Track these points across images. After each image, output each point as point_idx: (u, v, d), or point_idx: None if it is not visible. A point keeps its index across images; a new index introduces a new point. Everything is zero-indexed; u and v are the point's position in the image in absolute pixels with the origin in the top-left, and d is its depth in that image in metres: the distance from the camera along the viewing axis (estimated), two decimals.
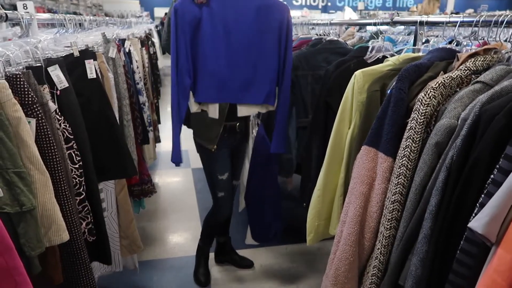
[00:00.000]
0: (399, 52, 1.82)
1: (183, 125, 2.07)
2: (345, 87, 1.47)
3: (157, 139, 3.33)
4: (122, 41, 2.42)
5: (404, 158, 1.02)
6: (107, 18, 3.40)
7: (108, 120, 1.53)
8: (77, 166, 1.16)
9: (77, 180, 1.16)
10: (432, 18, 1.47)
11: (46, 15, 1.88)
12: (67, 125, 1.15)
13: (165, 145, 4.53)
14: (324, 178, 1.49)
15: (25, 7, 1.65)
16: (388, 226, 1.05)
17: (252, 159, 2.09)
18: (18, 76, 0.95)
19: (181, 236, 2.74)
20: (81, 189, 1.18)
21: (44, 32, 2.08)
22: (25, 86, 0.95)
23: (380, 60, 1.64)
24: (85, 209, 1.20)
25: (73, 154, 1.15)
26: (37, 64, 1.10)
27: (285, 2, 1.88)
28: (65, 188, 1.04)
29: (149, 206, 2.94)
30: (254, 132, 2.11)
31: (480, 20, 1.18)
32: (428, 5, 4.76)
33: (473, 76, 1.05)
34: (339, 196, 1.45)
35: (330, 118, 1.66)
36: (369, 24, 2.02)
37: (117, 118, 1.81)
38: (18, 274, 0.75)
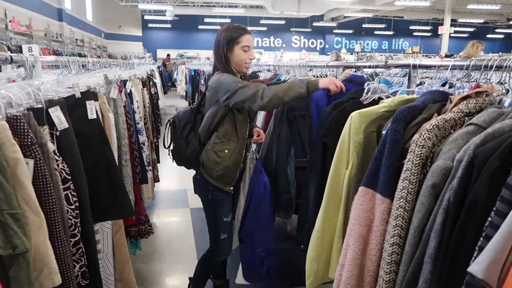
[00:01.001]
0: (394, 93, 1.86)
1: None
2: (342, 127, 1.50)
3: (156, 179, 3.32)
4: (124, 82, 2.48)
5: (401, 200, 1.02)
6: (110, 60, 3.49)
7: (107, 160, 1.54)
8: (73, 207, 1.16)
9: (72, 221, 1.15)
10: (424, 62, 1.52)
11: (51, 58, 1.94)
12: (65, 166, 1.15)
13: (164, 184, 4.51)
14: (322, 219, 1.48)
15: (30, 50, 1.70)
16: (388, 270, 1.03)
17: (248, 194, 2.07)
18: (18, 117, 0.96)
19: (178, 279, 2.66)
20: (76, 231, 1.17)
21: (48, 72, 2.14)
22: (25, 127, 0.97)
23: (376, 102, 1.67)
24: (79, 251, 1.18)
25: (70, 195, 1.15)
26: (38, 106, 1.12)
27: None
28: (59, 229, 1.02)
29: (145, 247, 2.88)
30: (252, 166, 2.11)
31: (471, 64, 1.22)
32: (472, 48, 4.90)
33: (466, 118, 1.06)
34: (338, 238, 1.43)
35: (327, 158, 1.67)
36: (364, 66, 2.08)
37: (116, 158, 1.82)
38: None
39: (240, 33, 1.96)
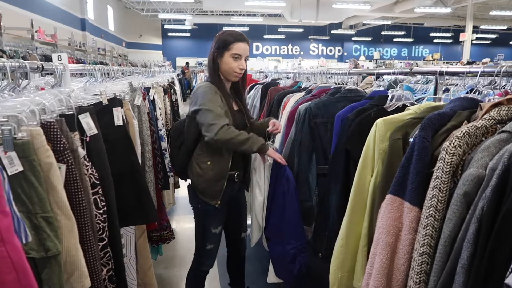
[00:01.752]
0: (419, 100, 1.84)
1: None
2: (365, 134, 1.48)
3: (177, 185, 3.35)
4: (147, 89, 2.52)
5: (431, 208, 1.00)
6: (133, 68, 3.56)
7: (133, 166, 1.56)
8: (101, 211, 1.18)
9: (100, 226, 1.17)
10: (452, 68, 1.50)
11: (78, 66, 1.99)
12: (94, 171, 1.18)
13: (184, 190, 4.53)
14: (347, 227, 1.46)
15: (59, 59, 1.75)
16: (417, 280, 1.01)
17: (270, 190, 2.03)
18: (52, 123, 0.99)
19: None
20: (104, 235, 1.18)
21: (74, 80, 2.20)
22: (58, 133, 0.99)
23: (400, 109, 1.65)
24: (107, 255, 1.20)
25: (98, 199, 1.17)
26: (70, 112, 1.15)
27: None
28: (89, 233, 1.04)
29: (166, 252, 2.90)
30: (269, 160, 2.07)
31: (501, 71, 1.20)
32: None
33: (498, 125, 1.04)
34: (363, 246, 1.40)
35: (350, 165, 1.65)
36: (388, 73, 2.06)
37: (140, 164, 1.85)
38: None
39: (233, 39, 1.89)
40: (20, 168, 0.88)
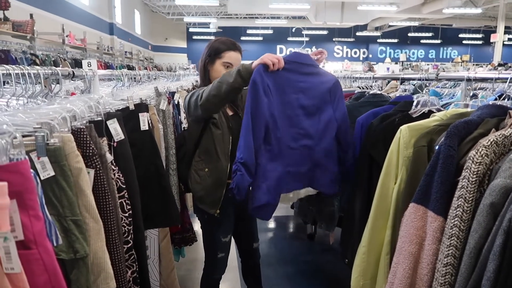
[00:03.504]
0: (445, 106, 1.80)
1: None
2: (389, 140, 1.47)
3: None
4: (172, 93, 2.57)
5: (456, 218, 0.98)
6: (158, 72, 3.63)
7: (157, 169, 1.60)
8: (127, 214, 1.21)
9: (126, 228, 1.20)
10: (480, 75, 1.46)
11: (106, 71, 2.06)
12: (121, 175, 1.21)
13: None
14: (369, 234, 1.45)
15: (89, 65, 1.81)
16: None
17: None
18: (82, 130, 1.03)
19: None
20: (129, 238, 1.22)
21: (102, 84, 2.26)
22: (87, 139, 1.03)
23: (426, 115, 1.62)
24: (132, 257, 1.23)
25: (124, 203, 1.21)
26: (98, 118, 1.19)
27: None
28: (115, 236, 1.08)
29: (189, 254, 2.94)
30: None
31: None
32: None
33: None
34: (385, 254, 1.39)
35: (373, 171, 1.64)
36: (413, 79, 2.02)
37: (164, 167, 1.89)
38: None
39: (225, 48, 1.85)
40: (52, 173, 0.92)
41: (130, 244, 1.22)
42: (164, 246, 1.94)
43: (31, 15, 5.95)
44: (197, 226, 3.69)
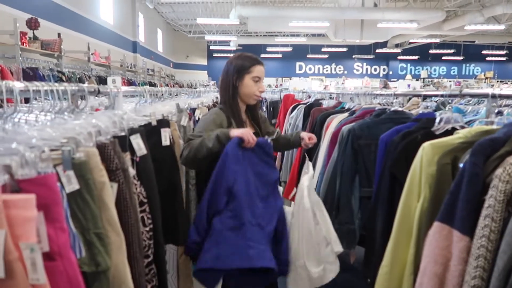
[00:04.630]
0: (469, 123, 1.76)
1: None
2: (411, 158, 1.44)
3: None
4: (193, 110, 2.61)
5: (483, 238, 0.95)
6: (180, 89, 3.70)
7: (175, 186, 1.62)
8: (147, 228, 1.22)
9: (146, 243, 1.21)
10: (505, 91, 1.43)
11: (130, 88, 2.11)
12: (143, 189, 1.23)
13: None
14: (391, 253, 1.41)
15: (113, 82, 1.87)
16: None
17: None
18: (106, 144, 1.05)
19: None
20: (150, 252, 1.23)
21: (125, 100, 2.32)
22: (111, 153, 1.05)
23: (449, 132, 1.59)
24: (151, 271, 1.24)
25: (145, 217, 1.22)
26: (122, 134, 1.22)
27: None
28: (136, 250, 1.09)
29: None
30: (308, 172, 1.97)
31: None
32: None
33: None
34: (409, 274, 1.35)
35: (395, 189, 1.61)
36: (436, 95, 2.00)
37: (184, 183, 1.91)
38: None
39: (252, 63, 1.90)
40: (77, 187, 0.94)
41: (150, 259, 1.23)
42: (183, 261, 1.93)
43: (59, 34, 6.19)
44: None
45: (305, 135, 2.04)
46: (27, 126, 1.06)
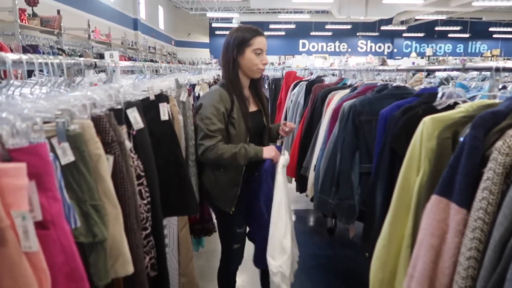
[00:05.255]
0: (472, 98, 1.73)
1: None
2: (412, 133, 1.42)
3: None
4: (193, 86, 2.59)
5: (480, 211, 0.94)
6: (180, 65, 3.67)
7: (176, 159, 1.61)
8: (145, 201, 1.23)
9: (144, 215, 1.22)
10: (509, 65, 1.40)
11: (128, 63, 2.08)
12: (140, 163, 1.23)
13: None
14: (390, 227, 1.41)
15: (111, 56, 1.84)
16: (463, 285, 0.96)
17: (266, 200, 1.92)
18: (101, 117, 1.04)
19: (238, 278, 2.70)
20: (147, 224, 1.23)
21: (124, 77, 2.30)
22: (107, 126, 1.04)
23: (451, 107, 1.57)
24: (150, 243, 1.25)
25: (143, 190, 1.22)
26: (118, 107, 1.20)
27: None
28: (133, 222, 1.09)
29: (208, 245, 2.96)
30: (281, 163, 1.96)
31: None
32: None
33: None
34: (406, 247, 1.35)
35: (395, 164, 1.60)
36: (439, 70, 1.97)
37: (184, 158, 1.90)
38: None
39: (252, 34, 1.83)
40: (72, 159, 0.93)
41: (148, 231, 1.24)
42: (183, 235, 1.96)
43: (58, 11, 6.11)
44: None
45: (282, 122, 2.10)
46: (21, 98, 1.05)
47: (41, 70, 1.24)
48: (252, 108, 1.98)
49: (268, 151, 1.85)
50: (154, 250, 1.26)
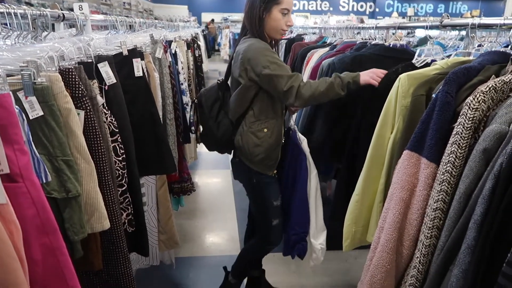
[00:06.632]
0: (449, 56, 1.75)
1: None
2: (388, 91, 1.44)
3: (199, 140, 3.39)
4: (169, 42, 2.50)
5: (448, 164, 0.97)
6: (156, 21, 3.52)
7: (152, 117, 1.58)
8: (120, 158, 1.21)
9: (119, 172, 1.21)
10: (485, 20, 1.40)
11: (100, 17, 1.99)
12: (113, 119, 1.20)
13: None
14: (363, 183, 1.45)
15: (80, 9, 1.75)
16: (429, 235, 1.01)
17: (291, 177, 1.92)
18: (70, 70, 1.00)
19: (217, 236, 2.77)
20: (123, 181, 1.23)
21: (97, 33, 2.19)
22: (76, 79, 1.01)
23: (428, 64, 1.58)
24: (126, 200, 1.25)
25: (117, 147, 1.20)
26: (89, 60, 1.16)
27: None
28: (108, 178, 1.08)
29: (188, 204, 3.00)
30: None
31: None
32: None
33: None
34: (378, 202, 1.40)
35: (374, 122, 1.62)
36: (418, 27, 1.96)
37: (161, 116, 1.87)
38: (61, 255, 0.79)
39: None
40: (41, 113, 0.91)
41: (124, 188, 1.24)
42: (162, 194, 1.96)
43: None
44: (197, 178, 3.75)
45: None
46: None
47: (5, 24, 1.17)
48: None
49: (369, 75, 1.64)
50: (130, 207, 1.26)
